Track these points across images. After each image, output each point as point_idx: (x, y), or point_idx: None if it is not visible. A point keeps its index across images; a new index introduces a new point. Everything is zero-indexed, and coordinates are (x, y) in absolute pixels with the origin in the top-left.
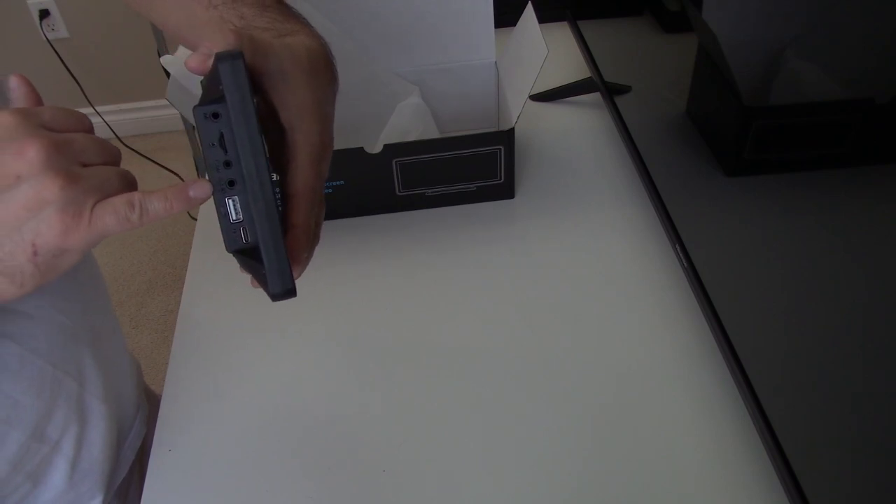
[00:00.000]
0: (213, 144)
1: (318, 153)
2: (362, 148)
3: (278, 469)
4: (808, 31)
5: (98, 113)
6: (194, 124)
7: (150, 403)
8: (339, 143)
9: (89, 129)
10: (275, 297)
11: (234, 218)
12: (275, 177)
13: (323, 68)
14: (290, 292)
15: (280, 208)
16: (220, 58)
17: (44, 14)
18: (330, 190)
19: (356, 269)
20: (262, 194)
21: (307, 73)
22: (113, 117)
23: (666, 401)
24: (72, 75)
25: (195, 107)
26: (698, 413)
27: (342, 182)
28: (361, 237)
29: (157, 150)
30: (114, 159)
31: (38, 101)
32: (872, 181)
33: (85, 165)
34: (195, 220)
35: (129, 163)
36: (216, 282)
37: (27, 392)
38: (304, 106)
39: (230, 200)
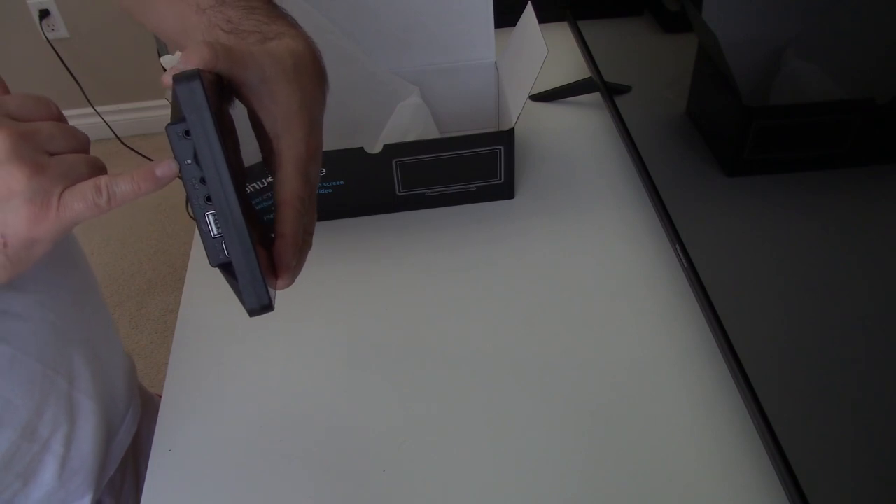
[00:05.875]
0: (189, 161)
1: (303, 161)
2: (362, 148)
3: (278, 469)
4: (808, 31)
5: (98, 113)
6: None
7: (144, 402)
8: (340, 143)
9: (57, 116)
10: (251, 312)
11: (215, 233)
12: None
13: (309, 70)
14: (265, 308)
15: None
16: (176, 79)
17: (44, 14)
18: (330, 190)
19: (356, 269)
20: (229, 211)
21: (290, 80)
22: (113, 117)
23: (666, 401)
24: (72, 75)
25: (167, 126)
26: (698, 413)
27: (342, 182)
28: (361, 237)
29: (158, 151)
30: (82, 146)
31: (5, 89)
32: (872, 181)
33: (53, 154)
34: (195, 220)
35: (129, 163)
36: (216, 282)
37: (18, 392)
38: (287, 114)
39: (209, 215)
